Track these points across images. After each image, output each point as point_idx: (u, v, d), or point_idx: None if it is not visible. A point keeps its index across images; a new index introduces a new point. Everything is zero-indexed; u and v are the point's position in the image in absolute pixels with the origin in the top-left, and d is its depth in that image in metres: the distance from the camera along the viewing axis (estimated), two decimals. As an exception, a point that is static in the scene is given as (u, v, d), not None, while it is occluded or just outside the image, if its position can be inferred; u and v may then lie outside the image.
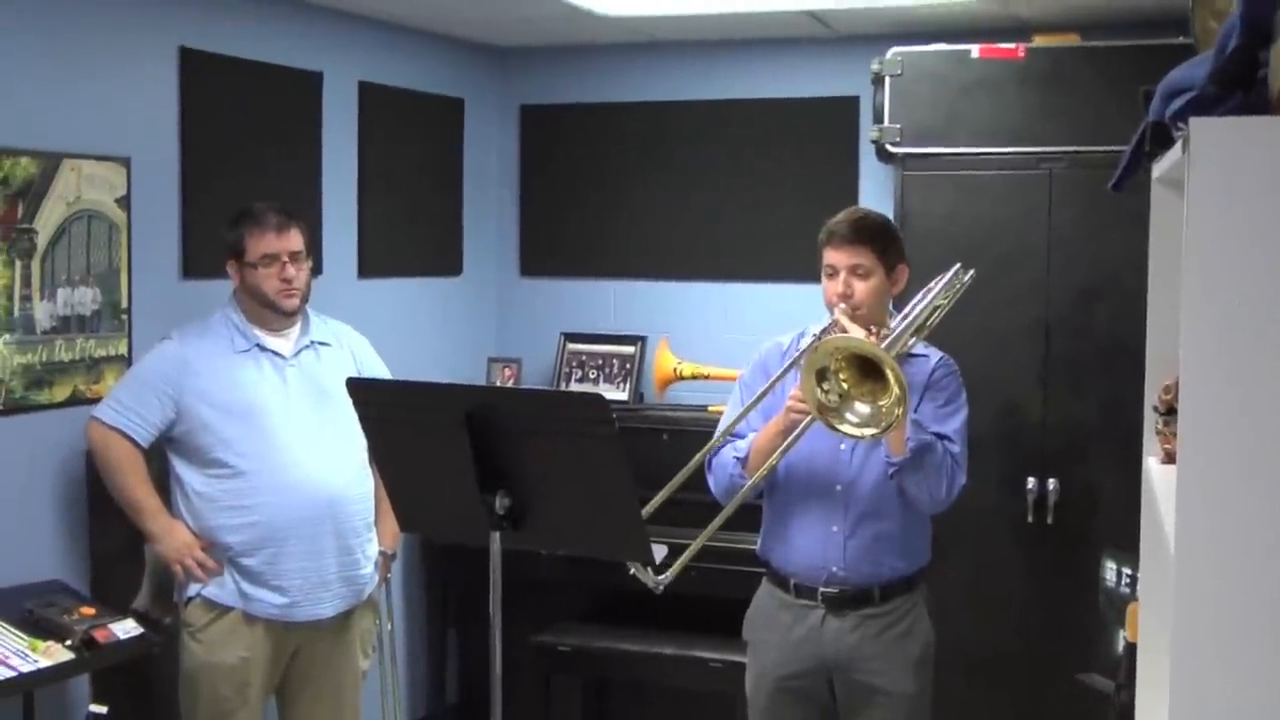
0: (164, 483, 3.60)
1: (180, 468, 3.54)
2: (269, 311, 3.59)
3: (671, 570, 2.79)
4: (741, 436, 3.31)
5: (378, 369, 3.85)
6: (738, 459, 3.28)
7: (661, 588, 2.81)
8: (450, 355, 5.23)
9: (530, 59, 5.44)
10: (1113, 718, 3.39)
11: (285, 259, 3.56)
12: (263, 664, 3.56)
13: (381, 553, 3.78)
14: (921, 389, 3.26)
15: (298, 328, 3.67)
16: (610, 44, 5.25)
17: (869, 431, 2.89)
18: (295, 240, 3.59)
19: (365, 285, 4.81)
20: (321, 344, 3.71)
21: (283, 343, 3.63)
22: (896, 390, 2.80)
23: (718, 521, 2.97)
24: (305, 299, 3.64)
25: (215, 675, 3.51)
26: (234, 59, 4.20)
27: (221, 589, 3.51)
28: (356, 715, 3.80)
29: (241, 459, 3.49)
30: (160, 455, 3.59)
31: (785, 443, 3.09)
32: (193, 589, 3.52)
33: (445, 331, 5.24)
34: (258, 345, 3.58)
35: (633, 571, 2.78)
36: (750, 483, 3.15)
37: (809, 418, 3.01)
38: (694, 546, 2.88)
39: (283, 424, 3.54)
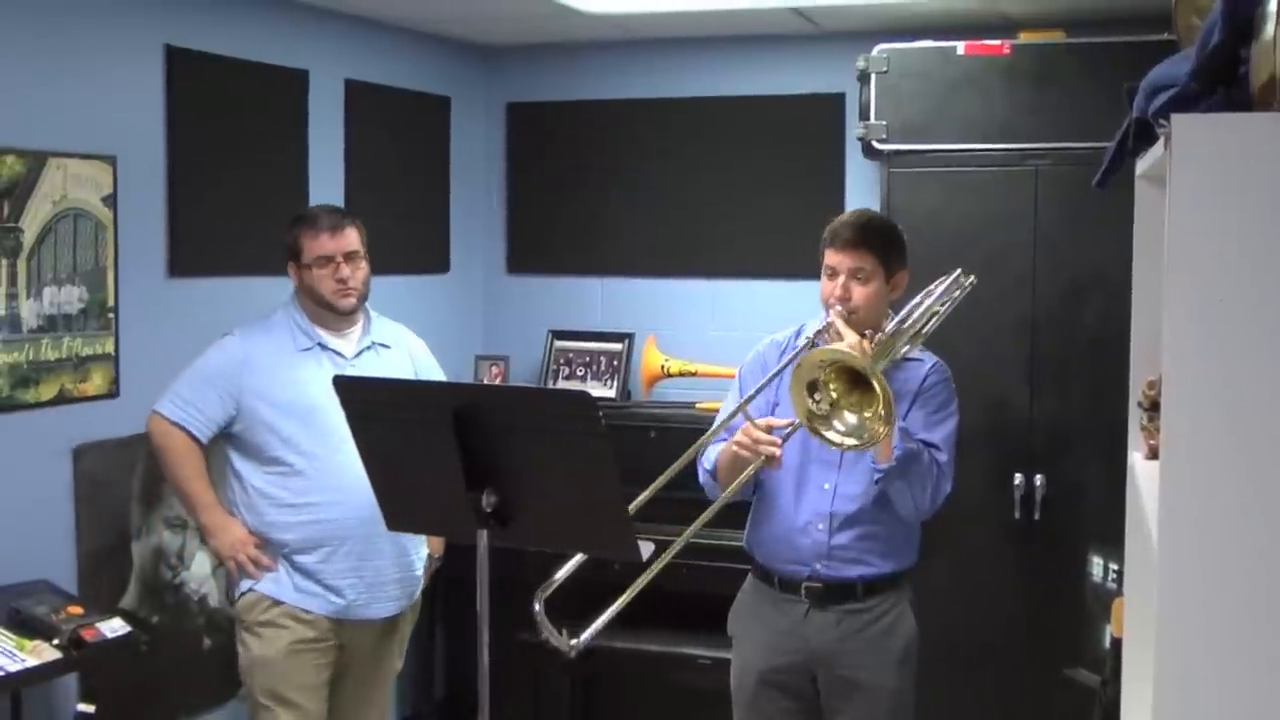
0: (213, 476, 3.59)
1: (239, 463, 3.54)
2: (327, 312, 3.58)
3: (586, 635, 2.76)
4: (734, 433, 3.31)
5: (434, 373, 3.84)
6: (708, 471, 3.30)
7: (574, 653, 2.76)
8: (438, 353, 5.18)
9: (516, 57, 5.44)
10: (1099, 712, 3.40)
11: (339, 260, 3.54)
12: (318, 661, 3.56)
13: (429, 556, 3.77)
14: (913, 396, 3.26)
15: (359, 328, 3.66)
16: (596, 41, 5.25)
17: (850, 442, 2.90)
18: (350, 240, 3.57)
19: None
20: (383, 345, 3.70)
21: (345, 344, 3.62)
22: (881, 404, 2.80)
23: (679, 543, 2.94)
24: (364, 298, 3.63)
25: (273, 670, 3.50)
26: (220, 57, 4.20)
27: (277, 584, 3.51)
28: (385, 712, 3.82)
29: (301, 458, 3.49)
30: (214, 449, 3.59)
31: (743, 475, 3.10)
32: (245, 584, 3.53)
33: (433, 329, 5.20)
34: (320, 345, 3.58)
35: (545, 635, 2.73)
36: (722, 497, 3.14)
37: (759, 459, 3.06)
38: (626, 595, 2.86)
39: (342, 424, 3.46)
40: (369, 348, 3.66)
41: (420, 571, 3.72)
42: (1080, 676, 3.67)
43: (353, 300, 3.59)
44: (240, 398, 3.49)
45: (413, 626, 3.88)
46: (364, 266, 3.61)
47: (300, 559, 3.50)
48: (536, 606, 2.71)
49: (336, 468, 3.46)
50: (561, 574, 2.81)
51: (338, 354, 3.59)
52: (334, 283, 3.54)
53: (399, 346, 3.75)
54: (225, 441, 3.56)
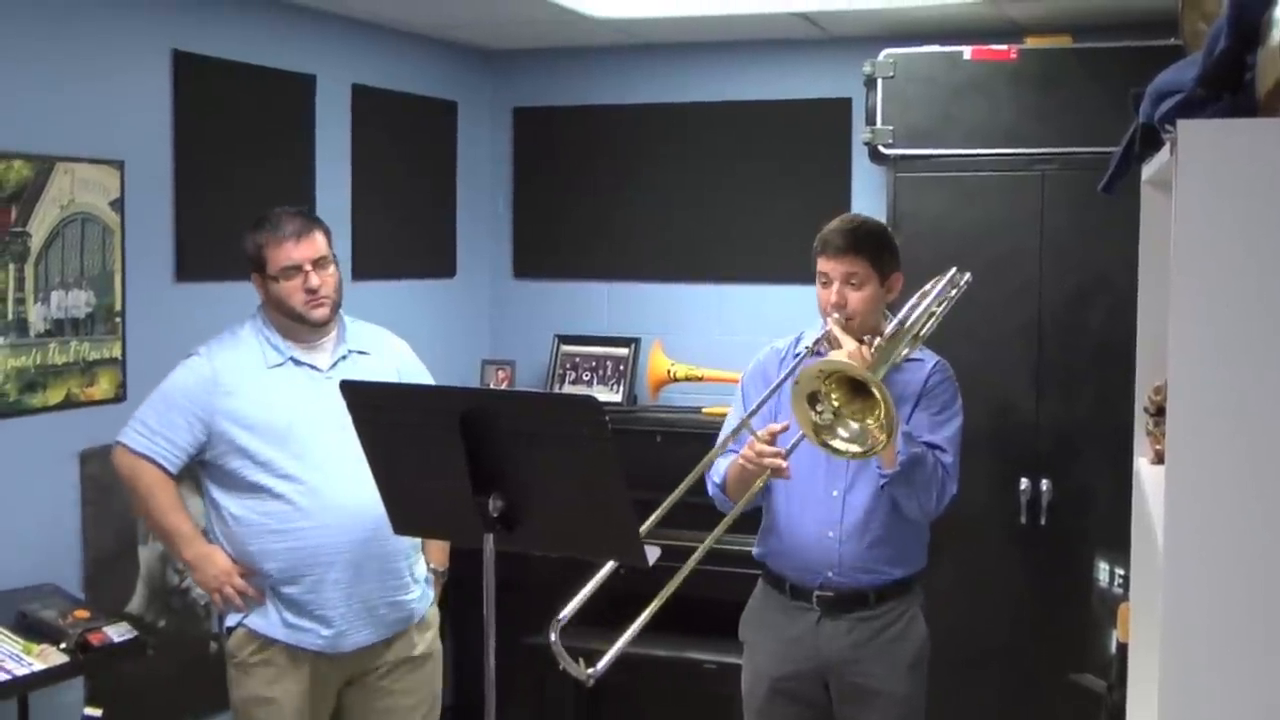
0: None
1: (215, 492, 3.32)
2: (299, 324, 3.34)
3: (603, 663, 2.74)
4: (741, 445, 3.30)
5: (421, 377, 3.58)
6: (717, 485, 3.30)
7: (592, 681, 2.74)
8: (444, 357, 5.22)
9: (522, 61, 5.45)
10: (1105, 718, 3.40)
11: (308, 268, 3.28)
12: (314, 699, 3.35)
13: (433, 570, 3.56)
14: (916, 397, 3.26)
15: (333, 337, 3.41)
16: (602, 46, 5.25)
17: (856, 449, 2.89)
18: (317, 245, 3.32)
19: (359, 288, 4.81)
20: (360, 353, 3.45)
21: (319, 355, 3.38)
22: (883, 410, 2.80)
23: (692, 560, 2.94)
24: (337, 306, 3.38)
25: (267, 711, 3.31)
26: (227, 62, 4.21)
27: (265, 619, 3.29)
28: None
29: (280, 481, 3.26)
30: (190, 474, 3.41)
31: (752, 489, 3.11)
32: (233, 619, 3.32)
33: (439, 334, 5.24)
34: (292, 359, 3.34)
35: (562, 666, 2.71)
36: (734, 511, 3.13)
37: (765, 471, 3.06)
38: (640, 621, 2.85)
39: (322, 443, 3.27)
40: (345, 357, 3.40)
41: (417, 592, 3.46)
42: (1086, 682, 3.66)
43: (326, 310, 3.33)
44: (210, 422, 3.25)
45: (435, 648, 3.57)
46: (334, 272, 3.37)
47: (287, 590, 3.27)
48: (553, 636, 2.70)
49: (318, 489, 3.27)
50: (573, 606, 2.78)
51: (312, 368, 3.35)
52: (304, 293, 3.29)
53: (379, 352, 3.51)
54: (199, 469, 3.34)
